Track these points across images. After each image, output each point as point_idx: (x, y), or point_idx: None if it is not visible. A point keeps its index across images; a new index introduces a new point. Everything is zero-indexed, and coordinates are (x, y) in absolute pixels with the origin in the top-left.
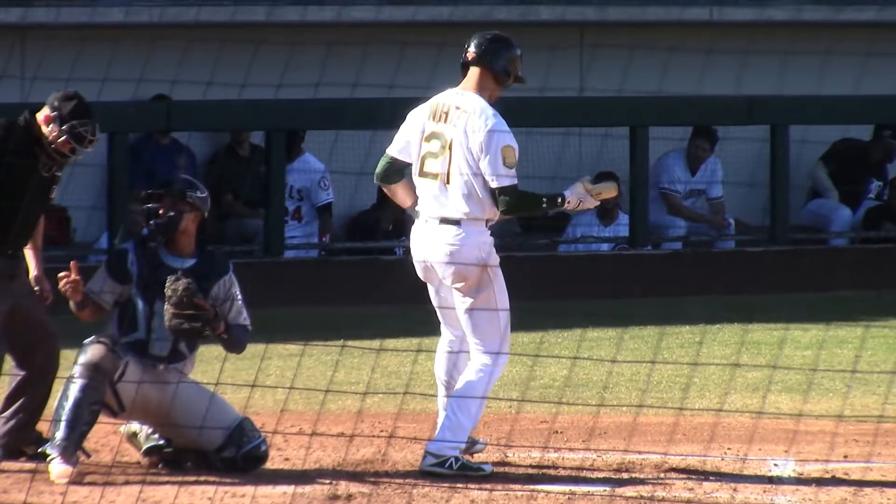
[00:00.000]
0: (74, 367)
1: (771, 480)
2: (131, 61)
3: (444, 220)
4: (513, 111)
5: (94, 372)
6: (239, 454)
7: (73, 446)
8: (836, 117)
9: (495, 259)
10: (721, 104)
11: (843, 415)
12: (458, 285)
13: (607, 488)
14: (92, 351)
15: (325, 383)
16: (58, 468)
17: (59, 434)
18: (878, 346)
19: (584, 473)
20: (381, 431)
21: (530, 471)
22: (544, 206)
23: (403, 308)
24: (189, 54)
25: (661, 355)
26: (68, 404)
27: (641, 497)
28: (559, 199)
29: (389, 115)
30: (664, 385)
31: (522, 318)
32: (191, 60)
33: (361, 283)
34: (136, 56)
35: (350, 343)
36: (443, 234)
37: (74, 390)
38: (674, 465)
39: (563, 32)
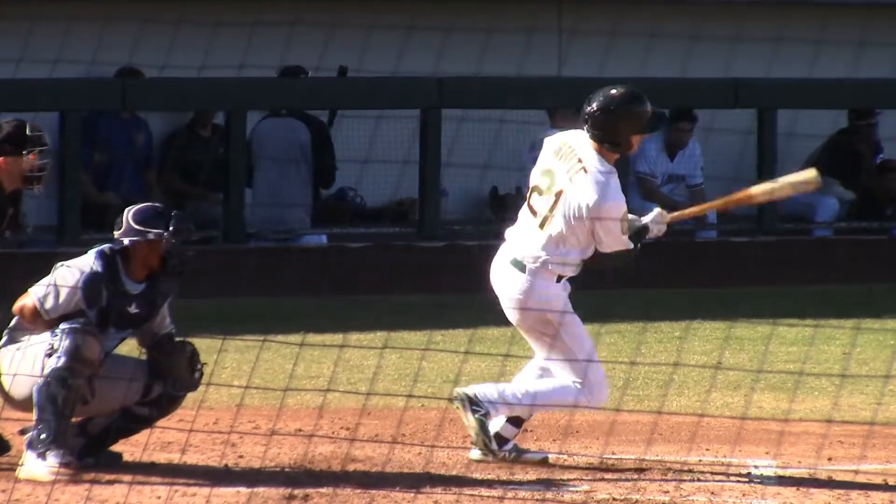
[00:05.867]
0: (60, 359)
1: (751, 483)
2: (86, 38)
3: (515, 263)
4: (487, 92)
5: (85, 367)
6: (167, 384)
7: (61, 442)
8: (826, 102)
9: (558, 308)
10: (705, 87)
11: (831, 417)
12: (523, 331)
13: (579, 490)
14: (88, 348)
15: (283, 377)
16: (45, 466)
17: (47, 433)
18: (867, 342)
19: (555, 475)
20: (342, 428)
21: (498, 472)
22: (636, 246)
23: (369, 299)
24: (146, 31)
25: (641, 351)
26: (57, 402)
27: (614, 500)
28: (643, 232)
29: (357, 98)
30: (641, 382)
31: (496, 311)
32: (147, 37)
33: (324, 273)
34: (90, 33)
35: (311, 336)
36: (510, 278)
37: (61, 387)
38: (650, 467)
39: (540, 9)
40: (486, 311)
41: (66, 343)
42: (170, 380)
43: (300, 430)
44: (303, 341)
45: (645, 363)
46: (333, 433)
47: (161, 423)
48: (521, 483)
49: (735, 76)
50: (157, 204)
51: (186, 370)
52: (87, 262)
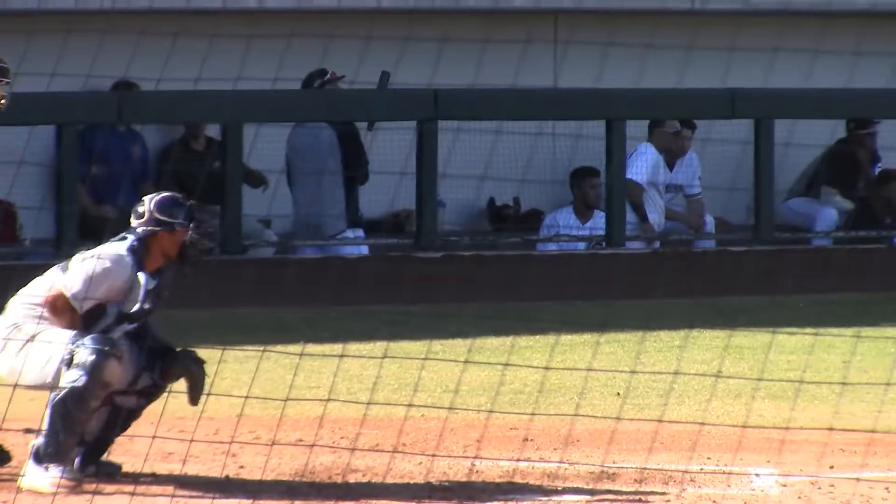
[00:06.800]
0: (81, 378)
1: (752, 492)
2: (82, 52)
3: None
4: (483, 104)
5: (103, 390)
6: (154, 373)
7: (65, 458)
8: (823, 112)
9: None
10: (702, 97)
11: (832, 426)
12: None
13: (580, 499)
14: (110, 372)
15: (283, 387)
16: (46, 478)
17: (54, 447)
18: (867, 350)
19: (556, 484)
20: (343, 438)
21: (498, 480)
22: None
23: (368, 309)
24: (143, 44)
25: (640, 360)
26: (70, 421)
27: None
28: None
29: (353, 111)
30: (642, 391)
31: (494, 321)
32: (144, 50)
33: (322, 284)
34: (87, 46)
35: (310, 347)
36: None
37: (77, 407)
38: (651, 476)
39: (536, 21)
40: (485, 321)
41: (89, 361)
42: (157, 370)
43: (301, 441)
44: (302, 351)
45: (645, 372)
46: (334, 443)
47: (161, 433)
48: (521, 492)
49: (732, 86)
50: (175, 193)
51: (202, 382)
52: (118, 254)
